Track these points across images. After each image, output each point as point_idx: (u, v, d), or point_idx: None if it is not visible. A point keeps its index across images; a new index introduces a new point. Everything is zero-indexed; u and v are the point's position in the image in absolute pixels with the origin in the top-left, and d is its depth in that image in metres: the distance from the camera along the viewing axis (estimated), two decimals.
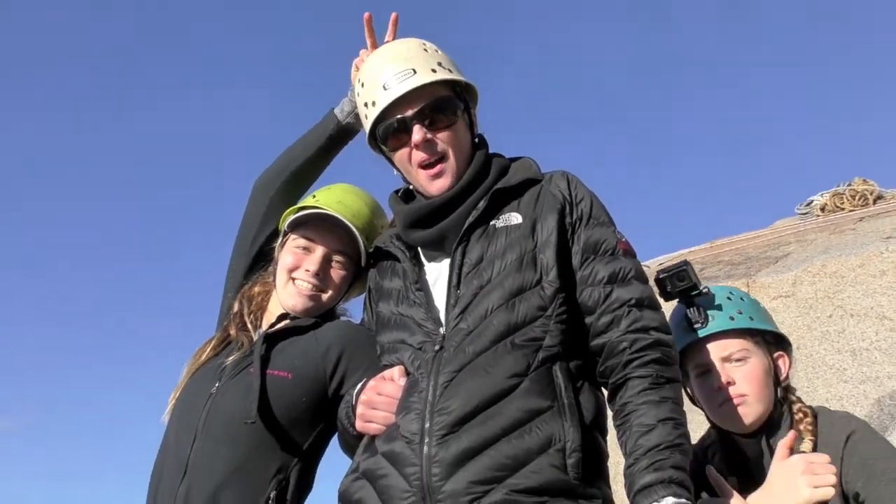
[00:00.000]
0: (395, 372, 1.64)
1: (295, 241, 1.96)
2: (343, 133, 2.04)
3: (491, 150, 1.82)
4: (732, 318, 1.91)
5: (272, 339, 1.90)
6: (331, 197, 1.98)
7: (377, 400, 1.63)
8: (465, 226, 1.66)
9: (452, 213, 1.69)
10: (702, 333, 1.91)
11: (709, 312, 1.92)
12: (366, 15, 1.96)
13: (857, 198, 5.61)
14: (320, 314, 1.96)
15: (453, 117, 1.70)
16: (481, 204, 1.68)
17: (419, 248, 1.76)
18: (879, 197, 5.62)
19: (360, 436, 1.68)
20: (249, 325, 1.98)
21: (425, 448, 1.49)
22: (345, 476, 1.68)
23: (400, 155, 1.73)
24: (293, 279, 1.94)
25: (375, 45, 1.94)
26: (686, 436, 1.51)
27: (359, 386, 1.71)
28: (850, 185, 5.79)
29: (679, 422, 1.51)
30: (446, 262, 1.68)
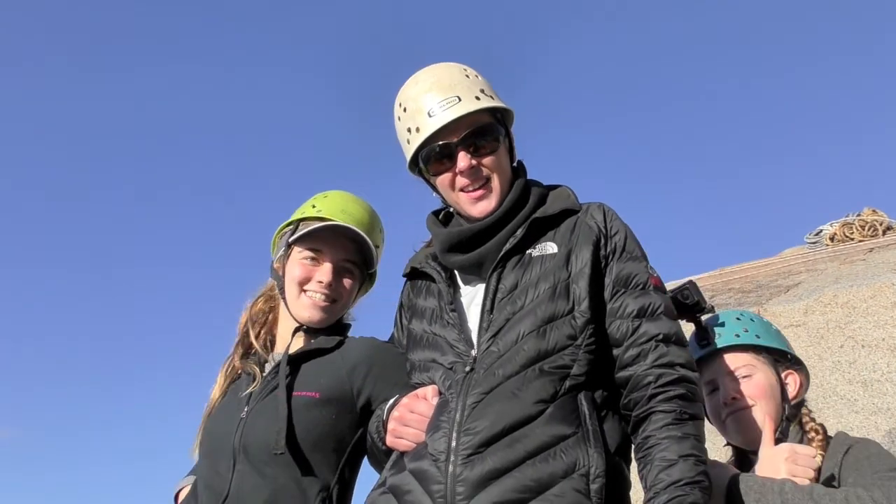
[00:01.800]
0: (429, 391, 1.66)
1: (302, 253, 1.98)
2: None
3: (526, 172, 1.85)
4: (738, 336, 1.96)
5: (295, 361, 1.91)
6: (332, 206, 2.01)
7: (409, 417, 1.65)
8: (502, 252, 1.70)
9: (491, 240, 1.72)
10: (708, 350, 1.97)
11: (716, 330, 1.98)
12: None
13: (866, 228, 5.64)
14: (334, 325, 1.99)
15: (496, 143, 1.74)
16: (519, 232, 1.71)
17: (455, 271, 1.79)
18: (889, 227, 5.64)
19: (390, 451, 1.71)
20: (259, 348, 1.99)
21: (451, 467, 1.52)
22: (371, 490, 1.71)
23: (442, 179, 1.76)
24: (304, 291, 1.96)
25: None
26: (707, 474, 1.53)
27: (391, 402, 1.74)
28: (859, 215, 5.82)
29: (700, 459, 1.53)
30: (481, 286, 1.71)
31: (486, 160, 1.73)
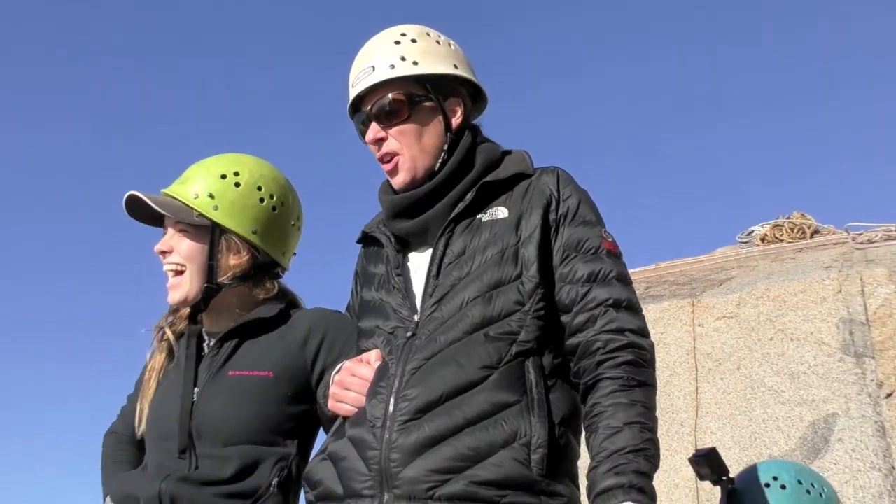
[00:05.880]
0: (372, 355, 1.61)
1: None
2: None
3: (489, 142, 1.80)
4: None
5: (235, 335, 1.83)
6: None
7: (350, 381, 1.60)
8: (451, 217, 1.65)
9: (437, 205, 1.67)
10: None
11: (740, 499, 1.94)
12: None
13: (795, 230, 5.79)
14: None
15: (406, 114, 1.69)
16: (469, 196, 1.66)
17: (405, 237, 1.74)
18: (816, 231, 5.81)
19: (336, 417, 1.65)
20: (169, 332, 1.90)
21: (386, 433, 1.47)
22: (312, 456, 1.67)
23: (370, 148, 1.75)
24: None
25: None
26: (654, 441, 1.48)
27: (337, 367, 1.68)
28: (789, 217, 5.98)
29: (647, 426, 1.48)
30: (429, 251, 1.67)
31: (393, 131, 1.69)
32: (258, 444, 1.74)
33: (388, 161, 1.70)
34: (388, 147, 1.69)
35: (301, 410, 1.80)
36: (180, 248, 1.83)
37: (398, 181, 1.70)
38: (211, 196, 1.82)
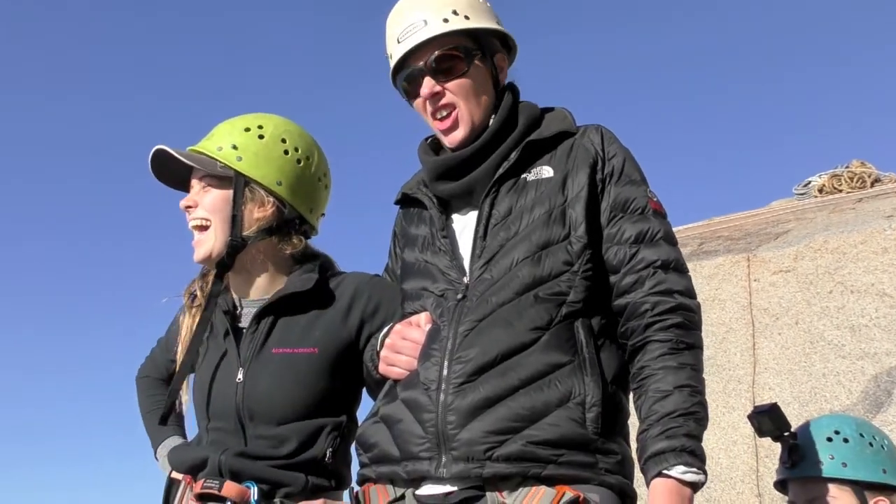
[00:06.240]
0: (422, 318, 1.62)
1: None
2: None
3: (529, 100, 1.77)
4: (821, 464, 1.89)
5: (267, 313, 1.80)
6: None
7: (401, 344, 1.61)
8: (495, 177, 1.64)
9: (481, 165, 1.65)
10: (790, 475, 1.94)
11: (802, 453, 1.93)
12: None
13: (854, 180, 5.62)
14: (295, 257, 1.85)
15: (465, 67, 1.66)
16: (513, 155, 1.65)
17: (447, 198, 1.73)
18: (877, 180, 5.63)
19: (384, 380, 1.67)
20: (200, 295, 1.86)
21: (442, 396, 1.48)
22: (364, 419, 1.68)
23: (417, 105, 1.72)
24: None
25: None
26: (703, 404, 1.48)
27: (385, 330, 1.69)
28: (847, 167, 5.80)
29: (696, 389, 1.48)
30: (473, 213, 1.66)
31: (451, 85, 1.66)
32: (311, 418, 1.75)
33: (446, 117, 1.67)
34: (447, 100, 1.66)
35: (349, 380, 1.81)
36: (205, 201, 1.80)
37: (455, 137, 1.67)
38: (234, 147, 1.79)
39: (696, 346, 1.54)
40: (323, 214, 1.96)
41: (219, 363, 1.80)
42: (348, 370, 1.80)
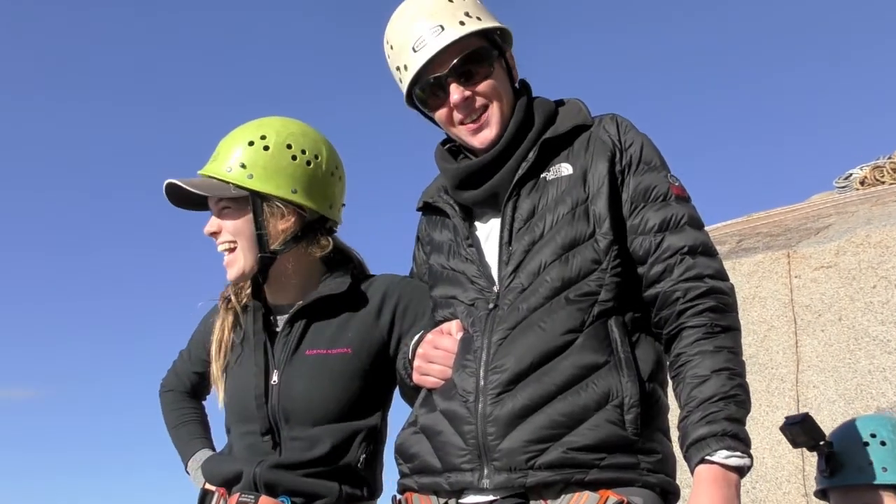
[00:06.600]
0: (454, 326, 1.62)
1: None
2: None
3: (535, 94, 1.75)
4: (860, 471, 1.87)
5: (300, 315, 1.83)
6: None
7: (433, 354, 1.62)
8: (515, 179, 1.62)
9: (501, 169, 1.64)
10: (829, 484, 1.92)
11: (840, 461, 1.91)
12: None
13: None
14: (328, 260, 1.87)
15: (489, 68, 1.65)
16: (531, 155, 1.63)
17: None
18: None
19: (418, 388, 1.67)
20: (235, 301, 1.90)
21: (480, 406, 1.49)
22: (402, 428, 1.69)
23: (440, 115, 1.68)
24: None
25: None
26: (743, 386, 1.45)
27: (416, 338, 1.70)
28: (890, 158, 5.67)
29: (735, 372, 1.45)
30: (496, 220, 1.65)
31: (481, 87, 1.64)
32: (346, 420, 1.77)
33: (477, 119, 1.65)
34: (480, 102, 1.64)
35: (382, 381, 1.82)
36: (227, 226, 1.81)
37: (486, 137, 1.65)
38: (243, 166, 1.78)
39: (732, 328, 1.51)
40: (343, 205, 1.96)
41: (253, 367, 1.82)
42: (381, 371, 1.81)
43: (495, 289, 1.58)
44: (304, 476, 1.73)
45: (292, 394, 1.77)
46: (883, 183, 5.41)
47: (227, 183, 1.79)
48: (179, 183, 1.79)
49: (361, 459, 1.76)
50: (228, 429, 1.89)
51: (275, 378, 1.79)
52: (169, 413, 2.10)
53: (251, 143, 1.80)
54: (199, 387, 2.10)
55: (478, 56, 1.64)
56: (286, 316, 1.84)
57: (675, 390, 1.51)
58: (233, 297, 1.90)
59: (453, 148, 1.77)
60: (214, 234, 1.83)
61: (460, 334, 1.60)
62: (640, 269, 1.57)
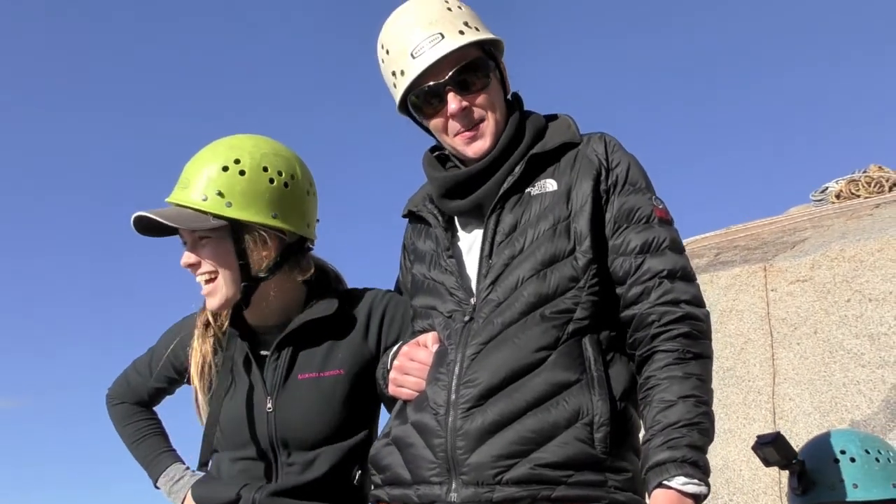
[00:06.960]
0: (429, 338, 1.62)
1: None
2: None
3: (527, 101, 1.76)
4: (832, 489, 1.89)
5: (287, 341, 1.80)
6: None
7: (409, 366, 1.62)
8: (500, 193, 1.62)
9: (488, 181, 1.64)
10: (800, 503, 1.93)
11: (812, 479, 1.93)
12: None
13: (872, 184, 5.56)
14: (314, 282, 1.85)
15: (486, 79, 1.65)
16: (517, 170, 1.63)
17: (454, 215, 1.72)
18: (895, 184, 5.59)
19: (395, 398, 1.68)
20: (214, 326, 1.85)
21: (450, 420, 1.49)
22: (377, 439, 1.70)
23: (435, 124, 1.68)
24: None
25: None
26: (708, 415, 1.46)
27: (393, 350, 1.70)
28: (865, 171, 5.74)
29: (701, 399, 1.46)
30: (479, 231, 1.65)
31: (478, 99, 1.64)
32: (341, 440, 1.76)
33: (473, 128, 1.64)
34: (477, 114, 1.64)
35: (373, 397, 1.82)
36: (207, 257, 1.74)
37: (481, 147, 1.64)
38: (220, 194, 1.70)
39: (703, 356, 1.52)
40: (318, 220, 1.92)
41: (243, 393, 1.79)
42: (372, 387, 1.81)
43: (472, 301, 1.58)
44: (303, 499, 1.71)
45: (290, 422, 1.74)
46: (858, 196, 5.48)
47: (205, 213, 1.70)
48: (152, 216, 1.70)
49: (357, 476, 1.76)
50: (214, 450, 1.84)
51: (269, 405, 1.76)
52: (125, 427, 2.02)
53: (225, 169, 1.72)
54: (154, 399, 2.04)
55: (476, 67, 1.64)
56: (271, 338, 1.81)
57: (641, 412, 1.52)
58: (212, 321, 1.86)
59: (442, 155, 1.77)
60: (192, 265, 1.76)
61: (436, 346, 1.60)
62: (619, 290, 1.57)
